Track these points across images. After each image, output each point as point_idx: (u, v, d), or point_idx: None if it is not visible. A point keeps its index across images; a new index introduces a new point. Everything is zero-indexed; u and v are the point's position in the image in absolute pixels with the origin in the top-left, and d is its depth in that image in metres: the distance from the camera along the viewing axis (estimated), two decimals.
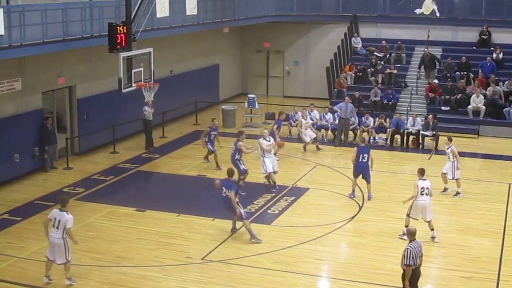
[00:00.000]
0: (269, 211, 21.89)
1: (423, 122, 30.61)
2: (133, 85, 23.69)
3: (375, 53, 38.44)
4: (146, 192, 24.65)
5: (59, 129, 27.80)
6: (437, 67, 36.32)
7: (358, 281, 16.83)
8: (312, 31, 41.81)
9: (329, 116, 31.66)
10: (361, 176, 23.06)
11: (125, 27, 22.91)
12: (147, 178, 26.14)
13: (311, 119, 31.55)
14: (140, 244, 19.10)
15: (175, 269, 17.43)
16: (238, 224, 19.68)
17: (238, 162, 23.21)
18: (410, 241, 14.46)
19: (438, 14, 32.79)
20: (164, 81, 29.53)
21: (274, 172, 23.79)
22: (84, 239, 19.03)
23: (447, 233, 20.34)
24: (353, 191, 23.36)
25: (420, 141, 30.32)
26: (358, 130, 31.09)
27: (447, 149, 23.95)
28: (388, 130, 30.71)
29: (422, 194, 19.26)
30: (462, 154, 29.16)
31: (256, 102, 34.53)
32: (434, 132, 29.97)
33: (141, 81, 24.06)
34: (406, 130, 30.57)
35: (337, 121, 31.22)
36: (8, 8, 21.45)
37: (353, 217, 21.37)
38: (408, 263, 14.21)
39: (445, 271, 17.69)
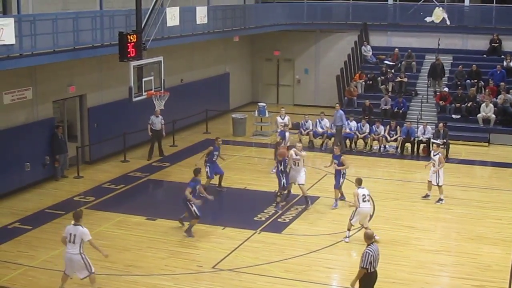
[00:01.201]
0: (279, 219, 21.86)
1: (434, 130, 30.52)
2: (144, 94, 23.73)
3: (385, 61, 38.40)
4: (157, 201, 24.67)
5: (70, 138, 27.84)
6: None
7: None
8: (322, 40, 41.81)
9: None
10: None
11: (135, 36, 22.96)
12: (158, 187, 26.18)
13: (321, 127, 31.58)
14: (150, 252, 19.11)
15: (185, 277, 17.43)
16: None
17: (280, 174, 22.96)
18: (369, 245, 14.50)
19: (448, 22, 32.76)
20: (175, 90, 29.58)
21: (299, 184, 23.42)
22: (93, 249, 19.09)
23: (458, 241, 20.29)
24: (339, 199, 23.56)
25: (431, 149, 30.23)
26: (369, 139, 31.04)
27: (435, 155, 24.03)
28: (399, 138, 30.64)
29: (364, 201, 19.72)
30: (472, 162, 29.35)
31: (267, 111, 34.57)
32: (444, 140, 29.88)
33: (151, 90, 24.09)
34: (416, 139, 30.51)
35: (347, 130, 31.21)
36: (19, 17, 21.51)
37: (363, 226, 21.30)
38: (364, 266, 14.30)
39: (456, 279, 17.62)
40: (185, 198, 20.03)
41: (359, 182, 20.14)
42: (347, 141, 31.27)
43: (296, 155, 22.98)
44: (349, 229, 20.02)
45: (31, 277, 17.44)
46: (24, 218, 21.84)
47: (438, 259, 18.81)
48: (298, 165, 23.08)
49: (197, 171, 20.66)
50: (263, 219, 21.81)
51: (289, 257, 18.72)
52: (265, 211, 22.47)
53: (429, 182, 24.04)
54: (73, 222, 15.91)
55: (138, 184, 25.85)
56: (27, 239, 20.09)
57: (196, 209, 20.12)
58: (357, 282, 14.56)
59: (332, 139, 31.50)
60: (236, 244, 19.59)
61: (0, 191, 23.52)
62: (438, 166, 23.62)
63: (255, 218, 21.88)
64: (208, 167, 24.43)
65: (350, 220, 19.94)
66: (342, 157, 23.38)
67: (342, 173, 23.22)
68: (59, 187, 25.29)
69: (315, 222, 21.65)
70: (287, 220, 21.76)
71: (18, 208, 22.78)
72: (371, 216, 21.04)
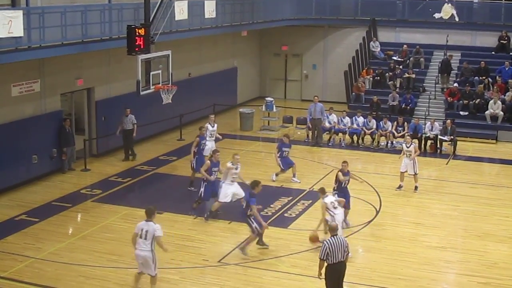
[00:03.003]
0: (286, 214, 21.88)
1: (441, 127, 30.47)
2: (151, 87, 23.74)
3: (393, 57, 38.35)
4: (163, 195, 24.66)
5: (77, 131, 27.88)
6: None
7: (374, 286, 16.79)
8: (331, 35, 41.77)
9: (346, 120, 31.55)
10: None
11: (144, 30, 22.96)
12: (164, 181, 26.17)
13: (329, 122, 31.57)
14: (157, 246, 19.08)
15: (191, 271, 17.45)
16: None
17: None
18: (331, 236, 14.61)
19: (457, 19, 32.69)
20: (182, 83, 29.57)
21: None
22: (101, 241, 19.13)
23: (465, 238, 20.26)
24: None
25: (438, 146, 30.20)
26: (376, 135, 31.00)
27: (410, 146, 24.40)
28: (406, 134, 30.55)
29: (335, 208, 18.46)
30: (480, 159, 29.34)
31: (274, 106, 34.58)
32: (452, 137, 29.85)
33: (159, 83, 24.09)
34: (424, 135, 30.45)
35: (354, 125, 31.20)
36: (27, 9, 21.56)
37: (370, 222, 21.31)
38: (320, 257, 14.51)
39: (463, 276, 17.59)
40: (245, 213, 18.48)
41: (323, 192, 18.83)
42: (354, 137, 31.23)
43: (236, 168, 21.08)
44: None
45: (37, 269, 17.47)
46: (31, 211, 21.89)
47: (444, 256, 18.79)
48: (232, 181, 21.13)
49: (255, 184, 18.59)
50: (270, 213, 21.81)
51: (295, 252, 18.74)
52: (271, 205, 22.47)
53: (402, 173, 24.37)
54: (145, 218, 15.56)
55: (145, 177, 25.88)
56: (33, 231, 20.13)
57: (257, 225, 18.43)
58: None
59: (340, 134, 31.49)
60: (242, 238, 19.55)
61: (7, 183, 23.56)
62: (414, 155, 24.15)
63: (262, 213, 21.84)
64: (195, 159, 23.91)
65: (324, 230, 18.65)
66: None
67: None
68: (66, 179, 25.34)
69: (321, 217, 21.58)
70: (294, 215, 21.76)
71: (25, 201, 22.83)
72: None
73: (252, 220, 18.37)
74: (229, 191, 20.87)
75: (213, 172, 21.40)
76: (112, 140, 28.32)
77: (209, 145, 25.28)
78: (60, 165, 25.91)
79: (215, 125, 26.51)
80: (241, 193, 20.50)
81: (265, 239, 19.25)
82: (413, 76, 36.50)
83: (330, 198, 18.78)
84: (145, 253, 15.41)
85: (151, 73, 23.59)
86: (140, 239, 15.36)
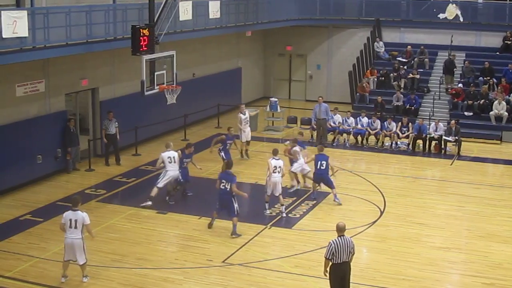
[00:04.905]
0: (290, 214, 21.86)
1: (446, 128, 30.44)
2: (156, 87, 23.73)
3: (397, 58, 38.33)
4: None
5: (82, 131, 27.91)
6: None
7: (378, 286, 16.78)
8: (335, 35, 41.77)
9: (351, 120, 31.54)
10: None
11: (148, 30, 22.98)
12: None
13: (333, 122, 31.56)
14: (161, 246, 19.16)
15: (195, 271, 17.46)
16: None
17: None
18: (338, 236, 14.60)
19: (461, 19, 32.68)
20: (187, 84, 29.60)
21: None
22: (106, 241, 19.15)
23: (469, 239, 20.23)
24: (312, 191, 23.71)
25: (443, 146, 30.17)
26: (381, 135, 30.98)
27: (305, 147, 25.30)
28: (410, 135, 30.57)
29: (274, 172, 21.41)
30: (484, 160, 29.29)
31: (278, 106, 34.58)
32: (456, 138, 29.83)
33: (163, 83, 24.09)
34: (428, 135, 30.42)
35: (358, 126, 31.20)
36: (32, 10, 21.58)
37: (374, 222, 21.30)
38: (325, 256, 14.59)
39: (467, 277, 17.56)
40: (230, 193, 19.73)
41: (274, 153, 22.02)
42: (359, 137, 31.22)
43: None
44: (267, 202, 21.88)
45: (41, 269, 17.50)
46: (36, 210, 21.92)
47: (448, 257, 18.77)
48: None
49: (230, 164, 21.00)
50: (274, 214, 21.81)
51: (299, 253, 18.73)
52: (275, 206, 22.45)
53: (293, 173, 24.27)
54: (71, 207, 16.43)
55: (150, 177, 25.86)
56: (38, 231, 20.16)
57: (237, 206, 19.86)
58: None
59: (344, 134, 31.50)
60: (246, 238, 19.60)
61: (12, 183, 23.60)
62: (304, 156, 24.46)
63: (266, 213, 21.90)
64: (222, 153, 26.12)
65: (266, 194, 21.70)
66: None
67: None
68: (70, 179, 25.37)
69: (325, 218, 21.63)
70: (298, 216, 21.76)
71: (30, 200, 22.87)
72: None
73: (235, 200, 19.68)
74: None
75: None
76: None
77: (246, 130, 28.68)
78: (65, 165, 25.95)
79: (246, 112, 29.32)
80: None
81: (269, 239, 19.29)
82: (418, 76, 36.49)
83: (278, 163, 21.60)
84: (76, 241, 16.22)
85: (156, 73, 23.58)
86: (70, 228, 16.18)
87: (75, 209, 16.31)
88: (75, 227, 16.15)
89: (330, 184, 23.09)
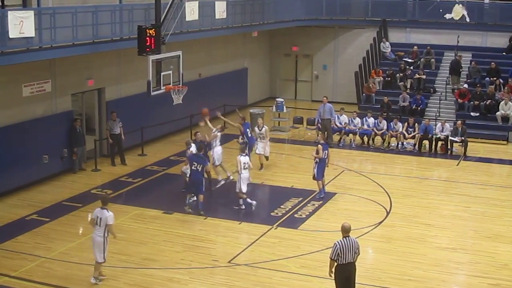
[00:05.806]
0: (296, 215, 21.85)
1: (452, 128, 30.39)
2: (162, 88, 23.73)
3: (404, 58, 38.29)
4: (174, 195, 24.67)
5: (88, 131, 27.95)
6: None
7: (384, 287, 16.76)
8: (341, 36, 41.73)
9: (357, 121, 31.50)
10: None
11: (154, 30, 22.97)
12: (175, 181, 26.16)
13: (339, 123, 31.55)
14: (166, 246, 19.16)
15: (201, 272, 17.47)
16: None
17: None
18: (343, 237, 14.58)
19: (468, 20, 32.58)
20: (193, 84, 29.61)
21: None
22: (111, 241, 19.07)
23: (475, 240, 20.19)
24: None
25: (449, 147, 30.12)
26: (387, 136, 30.94)
27: (262, 129, 26.83)
28: (417, 135, 30.54)
29: (245, 169, 22.06)
30: (490, 160, 29.24)
31: (284, 106, 34.58)
32: (462, 138, 29.78)
33: (170, 84, 24.09)
34: (434, 136, 30.37)
35: (365, 126, 31.17)
36: (38, 10, 21.61)
37: (380, 223, 21.29)
38: (331, 257, 14.57)
39: (473, 278, 17.54)
40: (201, 174, 21.72)
41: (242, 150, 22.90)
42: (365, 138, 31.19)
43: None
44: (241, 198, 22.21)
45: (47, 268, 17.53)
46: (42, 210, 21.95)
47: (454, 257, 18.75)
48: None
49: (201, 147, 22.72)
50: (280, 214, 21.82)
51: (305, 253, 18.72)
52: (282, 206, 22.47)
53: (260, 155, 26.71)
54: (100, 205, 16.60)
55: (156, 178, 25.91)
56: (44, 231, 20.20)
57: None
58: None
59: (350, 135, 31.48)
60: (252, 239, 19.61)
61: (18, 183, 23.65)
62: (266, 138, 26.51)
63: (272, 213, 21.91)
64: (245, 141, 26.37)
65: (239, 191, 22.14)
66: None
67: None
68: (76, 179, 25.40)
69: (331, 218, 21.62)
70: (304, 216, 21.75)
71: (36, 200, 22.90)
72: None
73: (204, 181, 21.74)
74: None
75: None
76: (123, 141, 28.30)
77: (260, 145, 27.11)
78: (71, 165, 25.98)
79: (263, 128, 27.33)
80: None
81: (275, 240, 19.30)
82: (424, 77, 36.44)
83: (245, 159, 22.25)
84: (97, 239, 16.39)
85: (162, 73, 23.57)
86: (95, 225, 16.37)
87: (103, 208, 16.46)
88: (99, 225, 16.29)
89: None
